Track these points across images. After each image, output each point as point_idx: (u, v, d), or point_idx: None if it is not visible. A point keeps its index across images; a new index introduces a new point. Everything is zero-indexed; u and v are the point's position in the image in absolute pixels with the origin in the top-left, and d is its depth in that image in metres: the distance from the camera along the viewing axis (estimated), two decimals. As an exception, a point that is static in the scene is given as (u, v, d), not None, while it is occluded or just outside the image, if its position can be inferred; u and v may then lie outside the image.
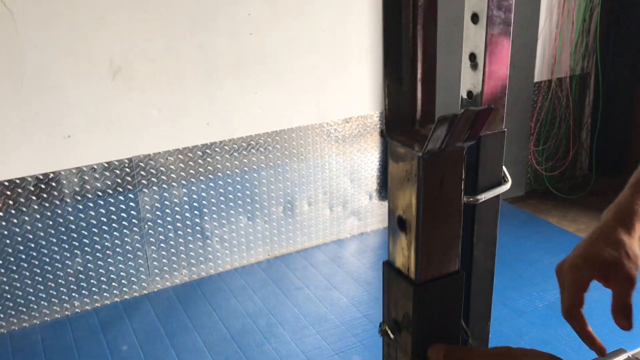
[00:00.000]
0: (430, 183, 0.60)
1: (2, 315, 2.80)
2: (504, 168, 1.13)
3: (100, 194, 2.87)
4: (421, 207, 0.61)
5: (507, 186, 1.12)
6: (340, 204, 3.59)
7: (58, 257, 2.85)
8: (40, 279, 2.84)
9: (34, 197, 2.73)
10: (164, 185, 3.02)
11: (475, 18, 1.00)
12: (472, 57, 1.01)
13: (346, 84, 3.37)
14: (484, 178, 1.09)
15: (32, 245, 2.78)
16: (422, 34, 0.60)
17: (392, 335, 0.69)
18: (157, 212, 3.04)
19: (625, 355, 2.89)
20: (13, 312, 2.83)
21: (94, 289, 2.98)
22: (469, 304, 1.19)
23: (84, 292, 2.96)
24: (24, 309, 2.84)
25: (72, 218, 2.84)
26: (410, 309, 0.67)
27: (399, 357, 0.70)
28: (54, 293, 2.90)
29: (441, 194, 0.62)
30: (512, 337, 2.72)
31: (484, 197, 1.10)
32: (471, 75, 1.03)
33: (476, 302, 1.20)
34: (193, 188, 3.10)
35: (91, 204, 2.86)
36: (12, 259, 2.75)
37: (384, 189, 3.70)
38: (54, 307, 2.91)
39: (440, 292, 0.67)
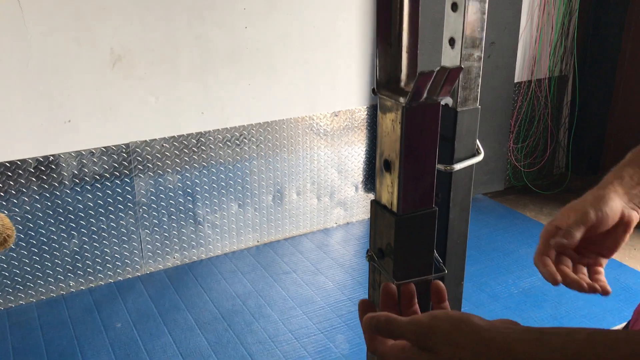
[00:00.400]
0: (412, 129, 0.75)
1: (0, 293, 2.90)
2: (478, 141, 1.28)
3: (97, 177, 2.98)
4: (403, 149, 0.75)
5: (479, 157, 1.27)
6: (328, 194, 3.74)
7: (55, 238, 2.96)
8: (37, 259, 2.95)
9: (33, 179, 2.84)
10: (159, 171, 3.14)
11: (454, 7, 1.14)
12: (452, 41, 1.15)
13: (335, 79, 3.52)
14: (460, 150, 1.24)
15: (31, 225, 2.89)
16: (408, 10, 0.75)
17: (376, 259, 0.83)
18: (152, 197, 3.16)
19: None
20: (10, 290, 2.93)
21: (89, 269, 3.10)
22: (444, 265, 1.34)
23: (79, 272, 3.07)
24: (21, 287, 2.95)
25: (70, 200, 2.95)
26: (392, 237, 0.81)
27: (382, 279, 0.84)
28: (51, 272, 3.00)
29: (420, 138, 0.76)
30: (488, 320, 2.88)
31: (459, 166, 1.24)
32: (450, 57, 1.17)
33: (451, 263, 1.35)
34: (187, 175, 3.22)
35: (89, 187, 2.98)
36: (11, 238, 2.85)
37: (370, 180, 3.85)
38: (50, 286, 3.02)
39: (417, 223, 0.81)
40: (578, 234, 0.84)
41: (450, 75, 0.70)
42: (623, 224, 0.87)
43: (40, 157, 2.83)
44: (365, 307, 0.68)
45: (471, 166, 1.24)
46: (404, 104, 0.73)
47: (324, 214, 3.76)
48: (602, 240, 0.88)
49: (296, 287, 3.15)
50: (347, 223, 3.86)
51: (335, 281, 3.21)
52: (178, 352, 2.65)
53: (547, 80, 4.22)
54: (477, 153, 1.25)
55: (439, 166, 1.27)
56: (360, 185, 3.83)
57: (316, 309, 2.97)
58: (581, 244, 0.86)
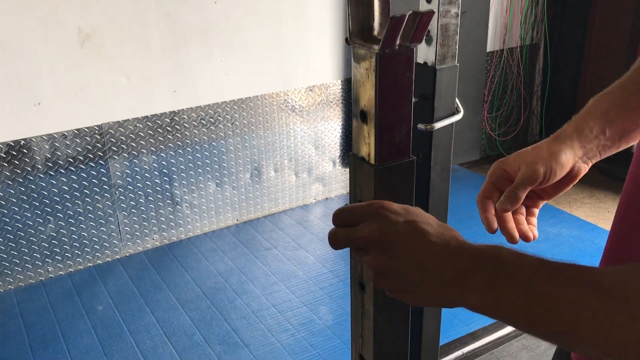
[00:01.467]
0: (386, 77, 0.75)
1: (-24, 281, 2.86)
2: (457, 100, 1.28)
3: (71, 160, 2.94)
4: (378, 97, 0.75)
5: (459, 116, 1.27)
6: (305, 170, 3.73)
7: (31, 224, 2.92)
8: (13, 245, 2.90)
9: (5, 164, 2.78)
10: (133, 152, 3.10)
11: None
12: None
13: (308, 53, 3.50)
14: (439, 108, 1.24)
15: (5, 211, 2.84)
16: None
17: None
18: (128, 179, 3.12)
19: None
20: (-12, 278, 2.89)
21: (67, 254, 3.06)
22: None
23: (57, 257, 3.04)
24: (-1, 275, 2.91)
25: (43, 184, 2.90)
26: (371, 188, 0.81)
27: (363, 231, 0.84)
28: (28, 259, 2.96)
29: (395, 87, 0.76)
30: (468, 286, 2.92)
31: (439, 125, 1.24)
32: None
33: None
34: (162, 155, 3.19)
35: (62, 171, 2.93)
36: (-15, 225, 2.81)
37: (347, 155, 3.85)
38: (28, 273, 2.98)
39: (396, 174, 0.82)
40: (523, 195, 0.85)
41: (422, 19, 0.70)
42: (570, 175, 0.88)
43: (11, 141, 2.77)
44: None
45: (451, 125, 1.25)
46: (377, 51, 0.73)
47: (302, 190, 3.76)
48: (546, 187, 0.90)
49: (278, 263, 3.16)
50: (326, 198, 3.86)
51: (316, 255, 3.23)
52: (162, 332, 2.64)
53: (518, 49, 4.25)
54: (457, 111, 1.26)
55: (420, 125, 1.27)
56: (337, 161, 3.83)
57: (299, 283, 2.98)
58: None
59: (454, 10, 1.20)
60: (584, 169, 0.89)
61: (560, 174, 0.87)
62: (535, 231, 0.91)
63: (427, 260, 0.62)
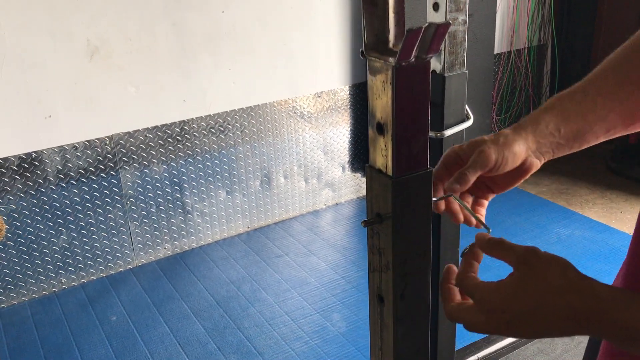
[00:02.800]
0: (403, 89, 0.74)
1: (-9, 294, 2.88)
2: (467, 106, 1.28)
3: (82, 172, 2.95)
4: (395, 110, 0.75)
5: (469, 122, 1.27)
6: (315, 176, 3.73)
7: (43, 235, 2.93)
8: (27, 257, 2.92)
9: (17, 177, 2.80)
10: (144, 162, 3.11)
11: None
12: (436, 6, 1.15)
13: (316, 60, 3.50)
14: (449, 115, 1.24)
15: (18, 224, 2.85)
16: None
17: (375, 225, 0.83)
18: (139, 189, 3.13)
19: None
20: (2, 290, 2.90)
21: (79, 265, 3.07)
22: (439, 230, 1.34)
23: (70, 268, 3.05)
24: (12, 287, 2.92)
25: (55, 196, 2.91)
26: (389, 200, 0.81)
27: (382, 243, 0.84)
28: (41, 270, 2.98)
29: (412, 98, 0.76)
30: (481, 290, 2.91)
31: (449, 132, 1.24)
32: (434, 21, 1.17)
33: (445, 228, 1.36)
34: (173, 164, 3.20)
35: (74, 182, 2.94)
36: (-2, 238, 2.82)
37: (356, 160, 3.85)
38: (42, 284, 3.00)
39: (413, 185, 0.81)
40: (472, 178, 0.85)
41: (438, 30, 0.70)
42: (522, 169, 0.88)
43: (23, 154, 2.79)
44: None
45: (461, 132, 1.25)
46: (393, 64, 0.73)
47: (312, 196, 3.76)
48: (496, 178, 0.90)
49: (289, 270, 3.16)
50: (336, 204, 3.86)
51: (328, 261, 3.22)
52: (175, 341, 2.65)
53: (526, 50, 4.24)
54: (467, 118, 1.26)
55: (430, 133, 1.27)
56: (347, 166, 3.83)
57: (311, 290, 2.98)
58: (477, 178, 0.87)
59: (461, 17, 1.20)
60: (536, 164, 0.89)
61: (512, 164, 0.86)
62: (481, 219, 0.91)
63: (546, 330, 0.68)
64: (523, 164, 0.87)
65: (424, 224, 0.84)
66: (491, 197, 0.95)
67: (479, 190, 0.93)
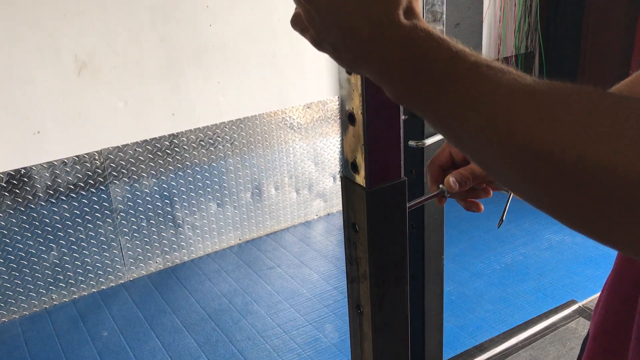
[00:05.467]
0: (373, 98, 0.75)
1: (-19, 311, 2.86)
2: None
3: (72, 187, 2.95)
4: (366, 118, 0.76)
5: (449, 131, 1.27)
6: (306, 187, 3.74)
7: (34, 252, 2.92)
8: (17, 274, 2.90)
9: (6, 193, 2.79)
10: (134, 177, 3.11)
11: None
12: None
13: (304, 71, 3.52)
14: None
15: (7, 240, 2.84)
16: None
17: (352, 235, 0.83)
18: (129, 203, 3.13)
19: (576, 306, 3.10)
20: (-8, 308, 2.88)
21: (70, 281, 3.06)
22: (423, 238, 1.35)
23: (61, 284, 3.04)
24: (2, 305, 2.90)
25: (45, 212, 2.91)
26: (364, 211, 0.81)
27: (359, 253, 0.85)
28: (32, 287, 2.96)
29: (383, 106, 0.76)
30: (472, 298, 2.91)
31: (430, 141, 1.25)
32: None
33: (429, 238, 1.36)
34: (163, 178, 3.20)
35: (64, 198, 2.94)
36: (-12, 255, 2.81)
37: (347, 170, 3.85)
38: (32, 301, 2.98)
39: (388, 195, 0.82)
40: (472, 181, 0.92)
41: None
42: None
43: (12, 171, 2.78)
44: None
45: (442, 140, 1.25)
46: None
47: (304, 206, 3.76)
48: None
49: (281, 281, 3.15)
50: (328, 214, 3.86)
51: (320, 272, 3.22)
52: (167, 355, 2.63)
53: (514, 58, 4.27)
54: (446, 127, 1.26)
55: (411, 142, 1.28)
56: (338, 176, 3.84)
57: (303, 301, 2.97)
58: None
59: (438, 27, 1.21)
60: None
61: None
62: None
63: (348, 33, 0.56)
64: None
65: (399, 233, 0.85)
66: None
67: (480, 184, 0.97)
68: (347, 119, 0.80)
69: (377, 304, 0.86)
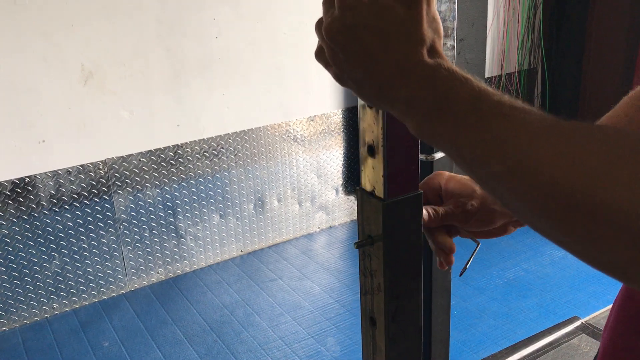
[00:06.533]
0: (393, 118, 0.75)
1: (-19, 320, 2.85)
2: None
3: (75, 196, 2.95)
4: (386, 132, 0.76)
5: (459, 145, 1.28)
6: (309, 199, 3.74)
7: (36, 260, 2.91)
8: (18, 282, 2.89)
9: (10, 202, 2.79)
10: (137, 187, 3.11)
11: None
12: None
13: (308, 84, 3.53)
14: (439, 139, 1.25)
15: (10, 249, 2.84)
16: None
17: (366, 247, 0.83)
18: (132, 213, 3.13)
19: (578, 323, 3.09)
20: (-8, 316, 2.87)
21: (72, 290, 3.05)
22: (430, 252, 1.34)
23: (62, 294, 3.03)
24: (3, 313, 2.89)
25: (48, 221, 2.90)
26: (380, 223, 0.82)
27: (373, 265, 0.85)
28: (33, 296, 2.95)
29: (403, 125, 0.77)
30: (475, 313, 2.90)
31: (439, 155, 1.25)
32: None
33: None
34: (166, 188, 3.20)
35: (67, 207, 2.94)
36: (-10, 263, 2.80)
37: (350, 183, 3.86)
38: (34, 310, 2.97)
39: (404, 207, 0.82)
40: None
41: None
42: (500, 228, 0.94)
43: (16, 179, 2.79)
44: None
45: (451, 154, 1.26)
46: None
47: (306, 219, 3.76)
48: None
49: (283, 294, 3.14)
50: (330, 227, 3.86)
51: (322, 285, 3.21)
52: (168, 367, 2.62)
53: (517, 74, 4.29)
54: (456, 141, 1.26)
55: (420, 156, 1.29)
56: (340, 189, 3.84)
57: (305, 314, 2.96)
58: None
59: (449, 42, 1.22)
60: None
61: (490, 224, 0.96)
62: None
63: (372, 66, 0.55)
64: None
65: (414, 245, 0.85)
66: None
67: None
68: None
69: (391, 316, 0.86)
